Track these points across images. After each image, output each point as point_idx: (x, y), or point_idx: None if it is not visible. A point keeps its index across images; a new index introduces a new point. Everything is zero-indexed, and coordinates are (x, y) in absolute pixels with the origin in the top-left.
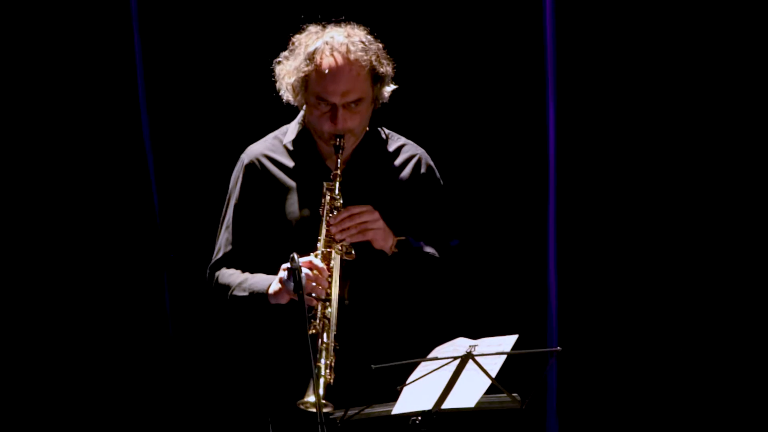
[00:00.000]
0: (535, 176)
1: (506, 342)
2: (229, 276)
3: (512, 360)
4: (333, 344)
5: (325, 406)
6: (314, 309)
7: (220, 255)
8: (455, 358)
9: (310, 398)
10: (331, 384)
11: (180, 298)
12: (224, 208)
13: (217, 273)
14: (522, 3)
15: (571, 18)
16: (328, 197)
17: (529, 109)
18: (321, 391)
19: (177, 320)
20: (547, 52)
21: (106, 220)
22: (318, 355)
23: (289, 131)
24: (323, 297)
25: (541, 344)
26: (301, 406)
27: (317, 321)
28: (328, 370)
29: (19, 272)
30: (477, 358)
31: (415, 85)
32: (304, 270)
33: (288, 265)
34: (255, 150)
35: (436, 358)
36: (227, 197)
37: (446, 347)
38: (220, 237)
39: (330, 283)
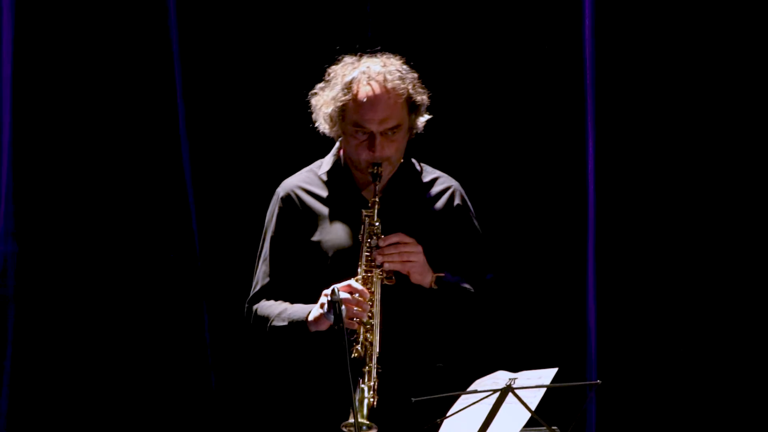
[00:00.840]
0: (573, 206)
1: (546, 375)
2: (268, 308)
3: (551, 393)
4: (376, 367)
5: (370, 427)
6: (356, 333)
7: (257, 288)
8: (495, 390)
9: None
10: (374, 406)
11: (220, 329)
12: (261, 242)
13: (255, 306)
14: (559, 39)
15: (611, 53)
16: (366, 222)
17: (567, 138)
18: (365, 413)
19: (216, 351)
20: (586, 82)
21: (146, 252)
22: (361, 378)
23: (324, 163)
24: (365, 320)
25: (580, 377)
26: (345, 429)
27: (359, 345)
28: (371, 393)
29: (60, 307)
30: (517, 391)
31: (450, 115)
32: (344, 294)
33: (328, 292)
34: (290, 183)
35: (475, 391)
36: (264, 231)
37: (486, 380)
38: (258, 270)
39: (372, 306)
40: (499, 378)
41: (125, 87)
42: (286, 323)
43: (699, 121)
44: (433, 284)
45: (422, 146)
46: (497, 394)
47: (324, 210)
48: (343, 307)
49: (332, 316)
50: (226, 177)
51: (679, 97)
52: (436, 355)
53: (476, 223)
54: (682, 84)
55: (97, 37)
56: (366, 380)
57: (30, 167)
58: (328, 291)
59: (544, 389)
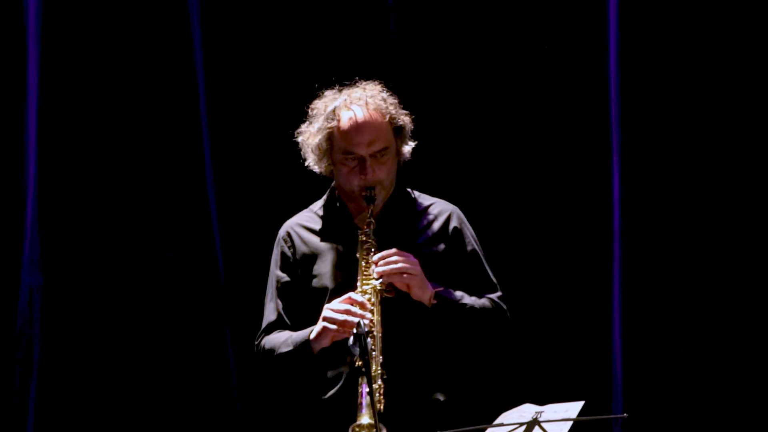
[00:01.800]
0: (599, 224)
1: (572, 408)
2: (273, 339)
3: (577, 426)
4: (381, 372)
5: (380, 429)
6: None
7: (265, 325)
8: (521, 424)
9: (363, 420)
10: (381, 410)
11: (243, 353)
12: (268, 281)
13: (263, 341)
14: (583, 45)
15: (635, 58)
16: (363, 238)
17: (591, 158)
18: (374, 417)
19: (240, 375)
20: (611, 90)
21: (172, 280)
22: (368, 384)
23: (320, 200)
24: (367, 330)
25: (605, 410)
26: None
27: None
28: (378, 396)
29: (87, 330)
30: (543, 424)
31: (470, 122)
32: (346, 306)
33: (329, 306)
34: (290, 222)
35: (502, 424)
36: (270, 270)
37: (513, 413)
38: (266, 308)
39: (373, 314)
40: (525, 411)
41: (150, 116)
42: (291, 348)
43: (726, 133)
44: (432, 299)
45: (441, 155)
46: (524, 428)
47: (321, 243)
48: (369, 339)
49: (357, 349)
50: (253, 205)
51: (707, 102)
52: (440, 375)
53: (476, 246)
54: (709, 87)
55: (121, 68)
56: (373, 385)
57: (55, 196)
58: (329, 305)
59: (571, 423)
